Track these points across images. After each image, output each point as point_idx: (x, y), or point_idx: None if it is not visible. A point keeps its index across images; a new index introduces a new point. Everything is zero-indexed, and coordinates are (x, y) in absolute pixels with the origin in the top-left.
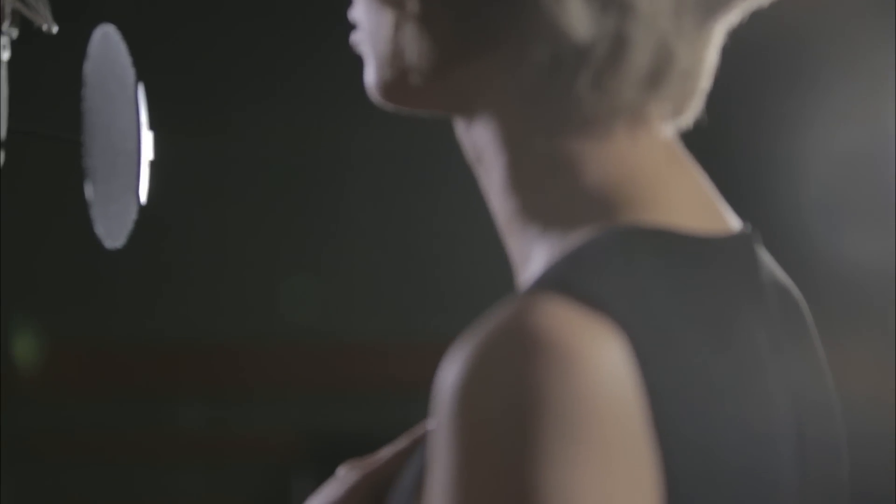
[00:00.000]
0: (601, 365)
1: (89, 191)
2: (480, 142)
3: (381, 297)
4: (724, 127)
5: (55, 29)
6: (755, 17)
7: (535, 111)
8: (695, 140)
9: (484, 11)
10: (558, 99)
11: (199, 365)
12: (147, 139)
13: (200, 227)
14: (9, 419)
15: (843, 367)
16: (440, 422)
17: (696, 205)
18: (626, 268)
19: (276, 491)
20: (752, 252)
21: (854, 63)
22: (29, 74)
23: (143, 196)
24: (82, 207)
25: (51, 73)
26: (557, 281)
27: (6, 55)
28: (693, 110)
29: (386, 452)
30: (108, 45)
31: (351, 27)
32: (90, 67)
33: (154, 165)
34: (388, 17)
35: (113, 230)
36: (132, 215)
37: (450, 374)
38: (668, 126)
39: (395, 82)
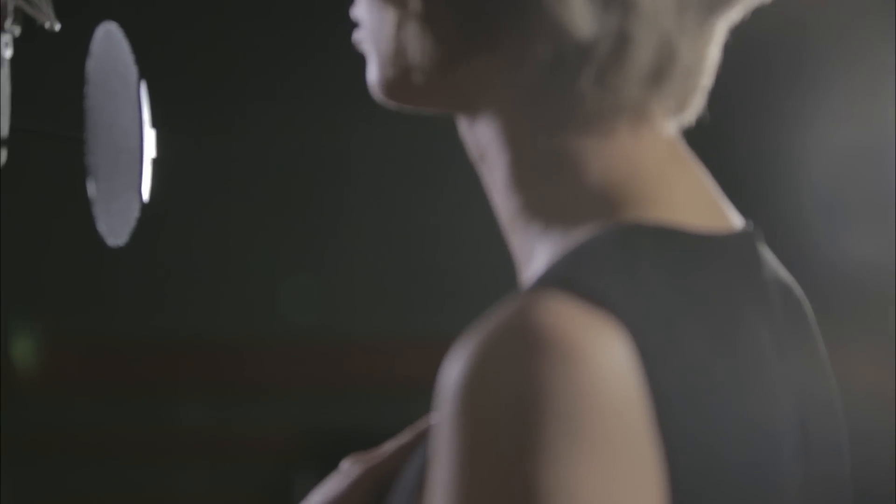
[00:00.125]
0: (604, 362)
1: (92, 188)
2: (483, 140)
3: (383, 295)
4: (726, 125)
5: (58, 26)
6: (756, 15)
7: (537, 109)
8: (696, 138)
9: (487, 9)
10: (561, 96)
11: (201, 363)
12: (149, 137)
13: (203, 225)
14: (10, 418)
15: (844, 364)
16: (443, 419)
17: (698, 202)
18: (629, 265)
19: (279, 489)
20: (754, 250)
21: (855, 61)
22: (31, 72)
23: (146, 194)
24: (85, 205)
25: (53, 70)
26: (560, 278)
27: (9, 53)
28: (695, 107)
29: (389, 446)
30: (110, 42)
31: (353, 26)
32: (93, 65)
33: (156, 163)
34: (390, 16)
35: (115, 228)
36: (135, 213)
37: (453, 371)
38: (670, 123)
39: (398, 81)
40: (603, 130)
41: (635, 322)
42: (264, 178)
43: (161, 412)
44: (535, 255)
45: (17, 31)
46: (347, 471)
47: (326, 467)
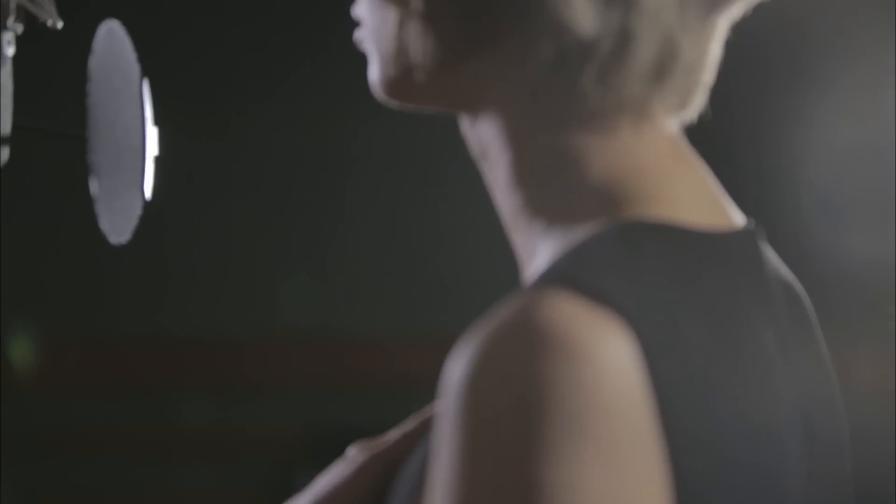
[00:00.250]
0: (608, 360)
1: (94, 186)
2: (485, 138)
3: (386, 293)
4: (726, 123)
5: (60, 24)
6: (756, 13)
7: (539, 107)
8: (697, 136)
9: (488, 8)
10: (563, 94)
11: (203, 361)
12: (152, 135)
13: (205, 222)
14: (11, 417)
15: (844, 362)
16: (445, 415)
17: (700, 200)
18: (631, 263)
19: (281, 486)
20: (756, 248)
21: (856, 59)
22: (34, 70)
23: (148, 192)
24: (87, 203)
25: (56, 68)
26: (563, 275)
27: (11, 51)
28: (697, 104)
29: (395, 434)
30: (113, 40)
31: (355, 25)
32: (95, 63)
33: (159, 161)
34: (391, 15)
35: (118, 226)
36: (137, 211)
37: (456, 368)
38: (672, 120)
39: (400, 80)
40: (605, 128)
41: (638, 320)
42: (266, 176)
43: (163, 410)
44: (538, 252)
45: (20, 28)
46: (353, 457)
47: (328, 465)
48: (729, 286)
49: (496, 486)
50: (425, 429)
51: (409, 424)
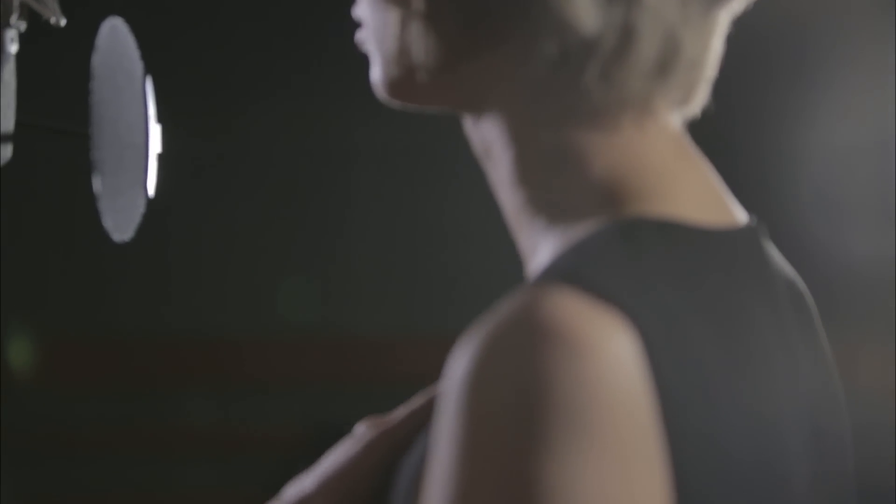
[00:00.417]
0: (610, 356)
1: (97, 184)
2: (488, 136)
3: (388, 290)
4: (727, 122)
5: (63, 22)
6: (758, 12)
7: (542, 104)
8: (698, 135)
9: (490, 7)
10: (566, 92)
11: (206, 359)
12: (155, 132)
13: (208, 220)
14: (13, 415)
15: (845, 360)
16: (446, 410)
17: (703, 197)
18: (633, 259)
19: (283, 484)
20: (759, 245)
21: (856, 57)
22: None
23: (151, 189)
24: (90, 201)
25: (59, 66)
26: (565, 272)
27: (15, 48)
28: (699, 99)
29: (401, 411)
30: (116, 38)
31: (358, 24)
32: (98, 60)
33: (162, 158)
34: (393, 15)
35: (121, 223)
36: (140, 208)
37: (459, 363)
38: (675, 116)
39: (402, 80)
40: (607, 125)
41: (640, 317)
42: (269, 174)
43: (165, 408)
44: (540, 249)
45: (23, 26)
46: (360, 435)
47: None
48: (731, 283)
49: (495, 482)
50: (431, 408)
51: (415, 402)
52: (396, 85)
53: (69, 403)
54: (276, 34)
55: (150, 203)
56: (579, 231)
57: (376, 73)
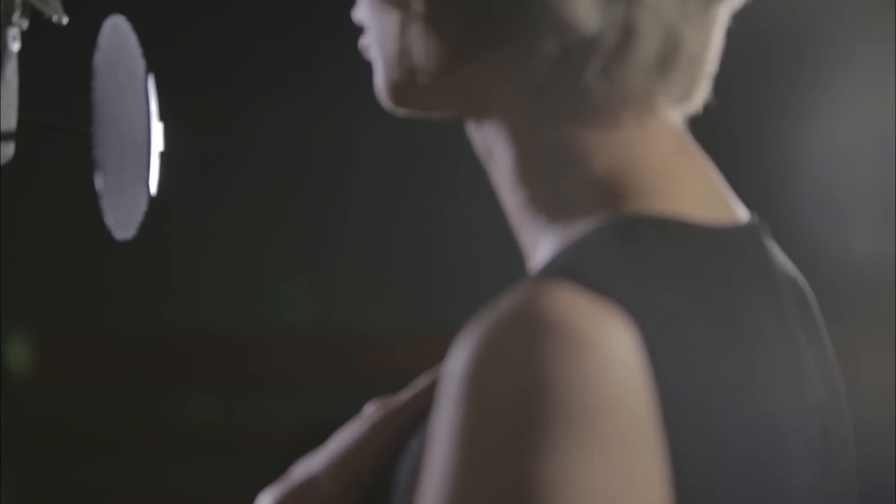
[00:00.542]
0: (610, 351)
1: (99, 182)
2: (490, 137)
3: (391, 289)
4: (728, 120)
5: (65, 20)
6: (759, 9)
7: (543, 103)
8: (700, 133)
9: (490, 8)
10: (567, 90)
11: (207, 357)
12: (157, 130)
13: (210, 218)
14: (14, 412)
15: (846, 358)
16: (445, 403)
17: (704, 195)
18: (633, 256)
19: None
20: (760, 242)
21: (857, 55)
22: (39, 65)
23: (153, 187)
24: (92, 199)
25: (61, 64)
26: (565, 267)
27: (17, 46)
28: (700, 95)
29: (408, 393)
30: (118, 35)
31: (361, 24)
32: (100, 58)
33: (164, 157)
34: (393, 18)
35: (123, 221)
36: (142, 206)
37: (458, 357)
38: (676, 112)
39: (404, 83)
40: (608, 123)
41: (640, 312)
42: (272, 172)
43: (167, 406)
44: (541, 246)
45: (25, 24)
46: (367, 416)
47: None
48: (732, 280)
49: (491, 475)
50: (435, 389)
51: (420, 383)
52: (399, 89)
53: (70, 401)
54: (278, 33)
55: (152, 201)
56: (580, 228)
57: (379, 79)
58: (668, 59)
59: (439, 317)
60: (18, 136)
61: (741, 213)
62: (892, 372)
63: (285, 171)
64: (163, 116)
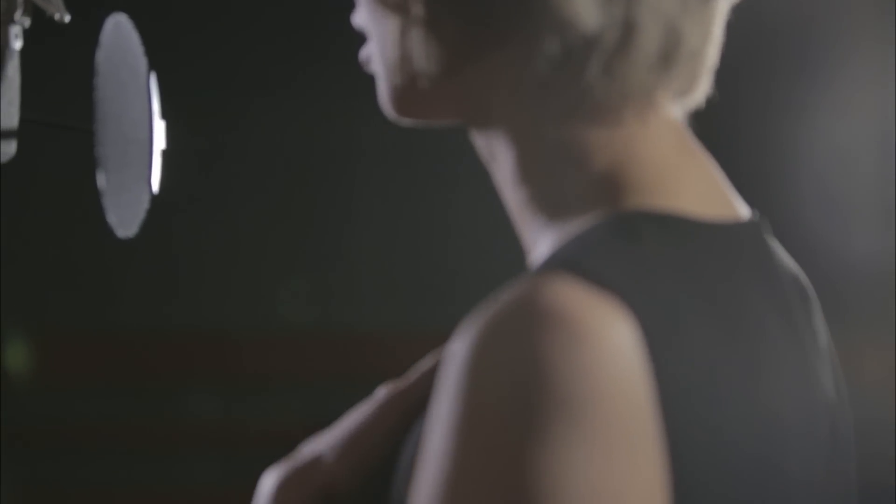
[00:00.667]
0: (610, 343)
1: (101, 180)
2: (492, 139)
3: (391, 287)
4: (729, 118)
5: (67, 18)
6: (760, 7)
7: (545, 102)
8: (701, 131)
9: (490, 10)
10: (569, 88)
11: (209, 355)
12: (159, 128)
13: (212, 216)
14: (16, 410)
15: (845, 357)
16: (444, 393)
17: (705, 191)
18: (632, 251)
19: None
20: (762, 239)
21: (859, 53)
22: (41, 63)
23: (156, 185)
24: (94, 197)
25: (63, 62)
26: (565, 261)
27: (19, 44)
28: (702, 90)
29: (414, 374)
30: (120, 34)
31: (360, 32)
32: (102, 56)
33: (166, 155)
34: (393, 24)
35: (125, 219)
36: (144, 204)
37: (458, 347)
38: (678, 107)
39: (406, 89)
40: (609, 120)
41: (639, 305)
42: (274, 170)
43: (168, 404)
44: (541, 242)
45: (27, 22)
46: (377, 398)
47: None
48: (733, 276)
49: (488, 465)
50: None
51: (426, 363)
52: (401, 95)
53: (71, 399)
54: (280, 31)
55: (154, 199)
56: (580, 224)
57: (382, 89)
58: (670, 55)
59: (441, 316)
60: (20, 133)
61: (742, 211)
62: (892, 370)
63: (287, 170)
64: (165, 114)
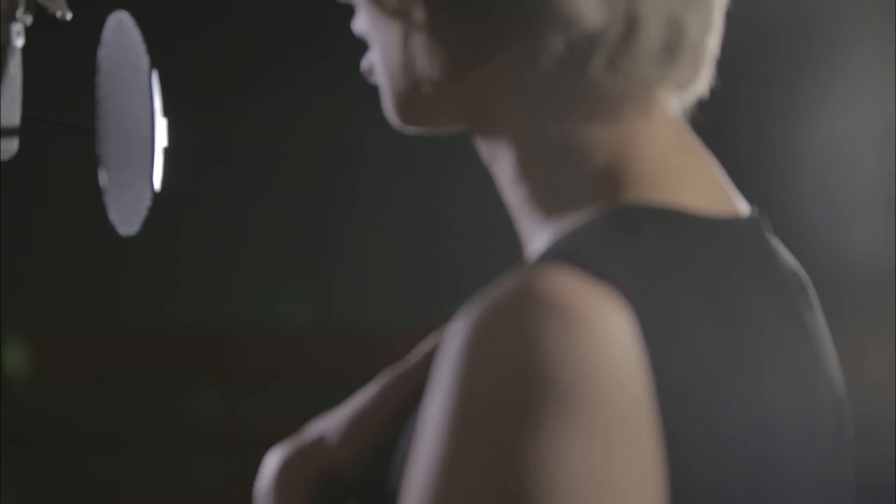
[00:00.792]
0: (606, 333)
1: (103, 178)
2: (494, 139)
3: (393, 286)
4: (728, 117)
5: (69, 16)
6: (761, 5)
7: (549, 99)
8: (700, 129)
9: (493, 12)
10: (573, 84)
11: (211, 353)
12: (161, 126)
13: (214, 214)
14: (16, 408)
15: (845, 355)
16: (439, 381)
17: (704, 187)
18: (630, 243)
19: None
20: (761, 235)
21: (859, 51)
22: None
23: (158, 183)
24: (96, 194)
25: (65, 60)
26: (563, 252)
27: (21, 42)
28: (705, 79)
29: (416, 355)
30: (122, 31)
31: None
32: (104, 54)
33: (168, 152)
34: (395, 31)
35: (127, 217)
36: (146, 202)
37: (454, 335)
38: (679, 100)
39: (410, 95)
40: (610, 116)
41: (636, 296)
42: (276, 168)
43: (170, 403)
44: (539, 237)
45: (29, 20)
46: (380, 380)
47: None
48: (731, 270)
49: (482, 453)
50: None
51: (428, 344)
52: (405, 102)
53: (73, 398)
54: (283, 29)
55: (156, 197)
56: (579, 218)
57: (386, 97)
58: (673, 47)
59: (443, 315)
60: (22, 131)
61: (742, 207)
62: (892, 369)
63: (289, 168)
64: (167, 112)
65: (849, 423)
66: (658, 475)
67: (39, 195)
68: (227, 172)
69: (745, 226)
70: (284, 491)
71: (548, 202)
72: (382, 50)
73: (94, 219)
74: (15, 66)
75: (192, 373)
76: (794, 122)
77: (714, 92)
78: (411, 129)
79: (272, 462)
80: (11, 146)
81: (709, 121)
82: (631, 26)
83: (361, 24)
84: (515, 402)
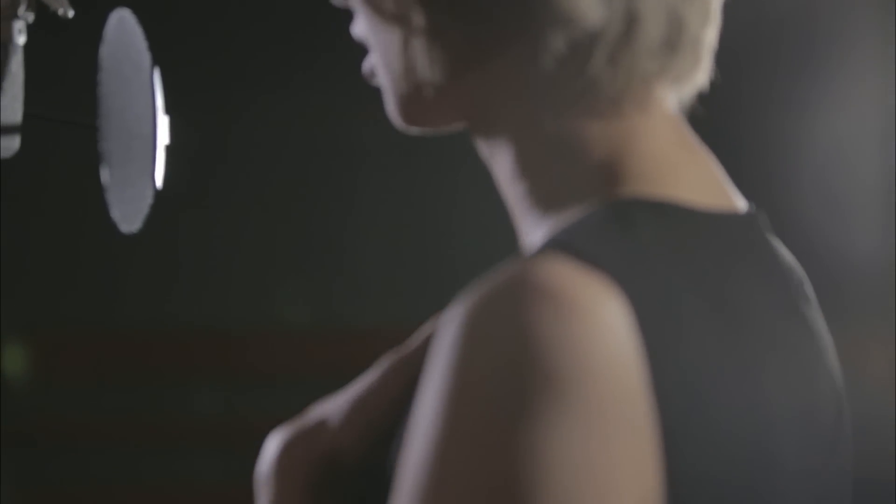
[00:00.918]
0: (601, 322)
1: (105, 175)
2: (493, 137)
3: (394, 284)
4: (728, 115)
5: (71, 13)
6: (761, 4)
7: (549, 97)
8: (700, 128)
9: (493, 13)
10: (573, 81)
11: (212, 351)
12: (163, 124)
13: (216, 212)
14: (16, 406)
15: (844, 353)
16: (434, 369)
17: (702, 183)
18: (627, 235)
19: None
20: (759, 231)
21: (859, 49)
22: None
23: (159, 181)
24: (98, 192)
25: (67, 57)
26: (558, 242)
27: (22, 39)
28: (705, 72)
29: (417, 339)
30: (123, 29)
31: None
32: (106, 52)
33: (170, 150)
34: (394, 35)
35: (129, 214)
36: (148, 200)
37: (449, 322)
38: (678, 94)
39: (412, 98)
40: (609, 112)
41: (632, 287)
42: (277, 166)
43: (172, 400)
44: (538, 231)
45: (31, 17)
46: (382, 364)
47: None
48: (728, 263)
49: (476, 439)
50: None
51: (428, 327)
52: (408, 105)
53: (73, 397)
54: (285, 27)
55: (158, 194)
56: (576, 212)
57: (389, 100)
58: (673, 41)
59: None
60: (24, 129)
61: (740, 204)
62: (892, 367)
63: (290, 166)
64: (168, 110)
65: (847, 416)
66: (653, 463)
67: (41, 193)
68: (228, 170)
69: (742, 221)
70: (285, 474)
71: (545, 198)
72: (382, 54)
73: (95, 216)
74: (17, 64)
75: (192, 371)
76: (795, 120)
77: (714, 90)
78: (414, 130)
79: (272, 445)
80: (13, 144)
81: (709, 119)
82: (631, 22)
83: (360, 28)
84: (509, 388)
